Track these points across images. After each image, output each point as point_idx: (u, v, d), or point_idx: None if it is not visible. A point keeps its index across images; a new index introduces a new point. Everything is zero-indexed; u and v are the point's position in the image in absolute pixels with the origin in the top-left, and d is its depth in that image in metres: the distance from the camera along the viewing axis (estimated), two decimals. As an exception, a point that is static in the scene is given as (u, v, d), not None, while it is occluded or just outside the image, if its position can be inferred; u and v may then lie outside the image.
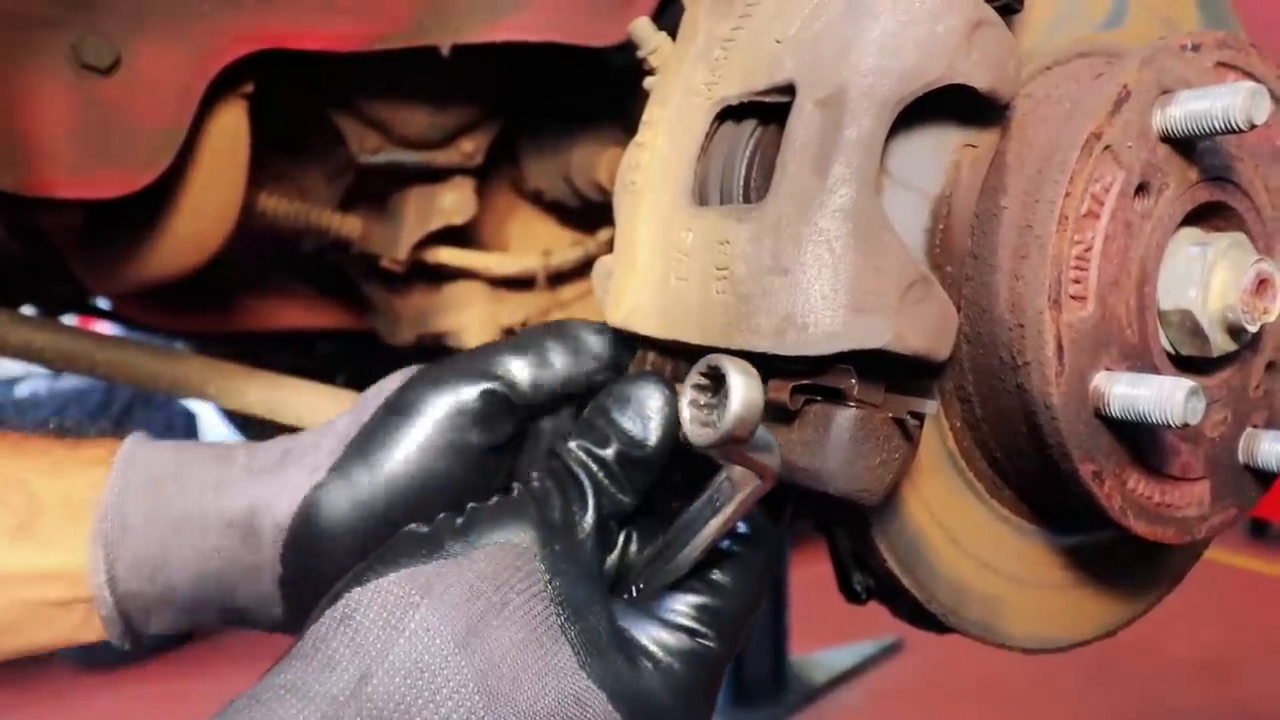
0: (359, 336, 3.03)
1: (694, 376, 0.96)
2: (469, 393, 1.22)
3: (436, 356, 2.61)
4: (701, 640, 1.07)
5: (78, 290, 2.73)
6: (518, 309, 2.67)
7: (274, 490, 1.22)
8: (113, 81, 1.63)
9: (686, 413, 0.97)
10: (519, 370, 1.25)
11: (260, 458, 1.26)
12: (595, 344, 1.28)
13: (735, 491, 1.07)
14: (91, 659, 7.54)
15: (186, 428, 10.38)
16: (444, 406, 1.22)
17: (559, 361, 1.26)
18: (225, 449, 1.28)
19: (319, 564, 1.19)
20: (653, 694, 1.03)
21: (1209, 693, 7.16)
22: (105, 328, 3.40)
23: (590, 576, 1.09)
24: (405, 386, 1.25)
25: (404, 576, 1.02)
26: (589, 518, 1.11)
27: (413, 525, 1.10)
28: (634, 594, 1.12)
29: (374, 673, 0.96)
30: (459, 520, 1.08)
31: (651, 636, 1.06)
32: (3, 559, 1.20)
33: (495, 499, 1.11)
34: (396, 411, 1.23)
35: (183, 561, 1.21)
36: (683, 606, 1.08)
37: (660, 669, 1.05)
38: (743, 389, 0.90)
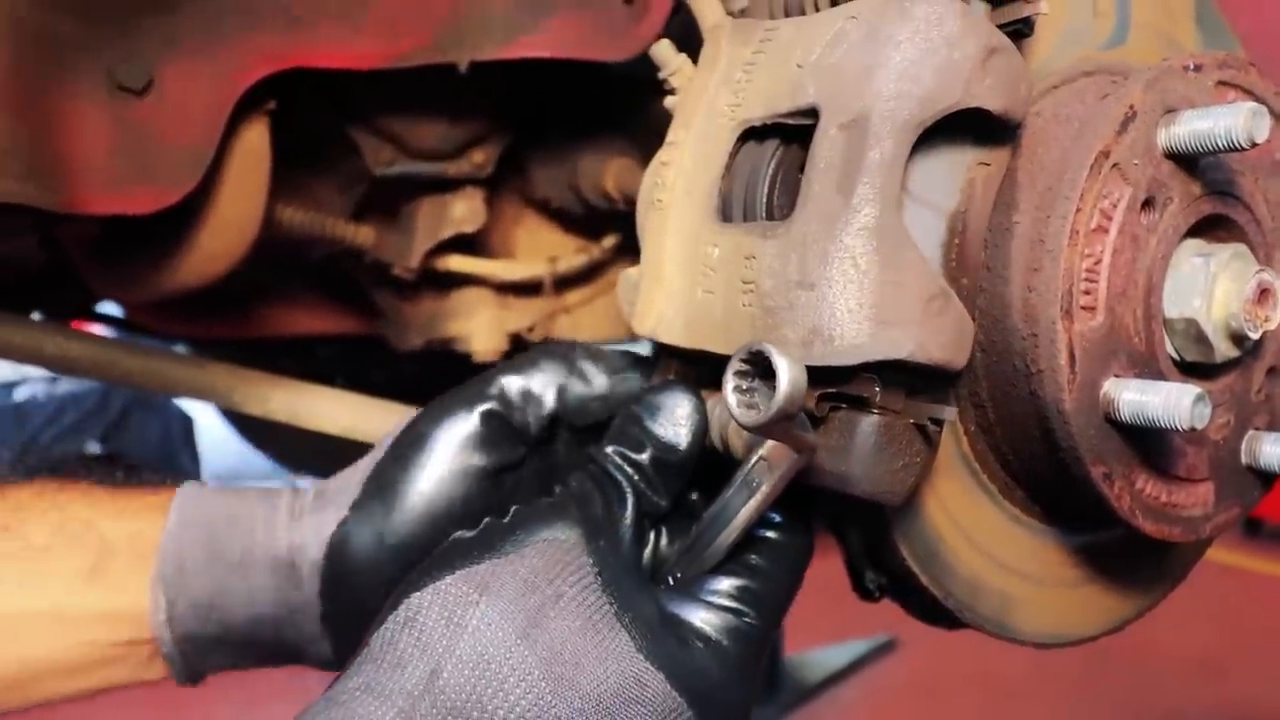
0: (358, 341, 3.07)
1: (735, 364, 0.99)
2: (468, 418, 1.28)
3: (441, 361, 2.66)
4: (745, 619, 1.12)
5: (84, 297, 2.78)
6: (524, 314, 2.70)
7: (309, 531, 1.28)
8: (146, 102, 1.66)
9: (732, 399, 0.99)
10: (512, 389, 1.31)
11: (300, 500, 1.32)
12: (590, 369, 1.33)
13: (771, 470, 1.12)
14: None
15: (184, 431, 10.41)
16: (449, 435, 1.28)
17: (550, 379, 1.32)
18: (273, 492, 1.34)
19: (354, 598, 1.24)
20: (706, 671, 1.08)
21: (1203, 690, 7.15)
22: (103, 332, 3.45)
23: (634, 568, 1.15)
24: (412, 421, 1.31)
25: (460, 577, 1.07)
26: (628, 515, 1.16)
27: (460, 531, 1.15)
28: (671, 583, 1.17)
29: (443, 668, 1.01)
30: (505, 521, 1.13)
31: (698, 618, 1.11)
32: (77, 601, 1.26)
33: (539, 500, 1.16)
34: (405, 446, 1.29)
35: (237, 601, 1.27)
36: (724, 587, 1.14)
37: (710, 647, 1.10)
38: (789, 368, 0.94)
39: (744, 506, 1.13)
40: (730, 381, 1.00)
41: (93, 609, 1.27)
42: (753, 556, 1.16)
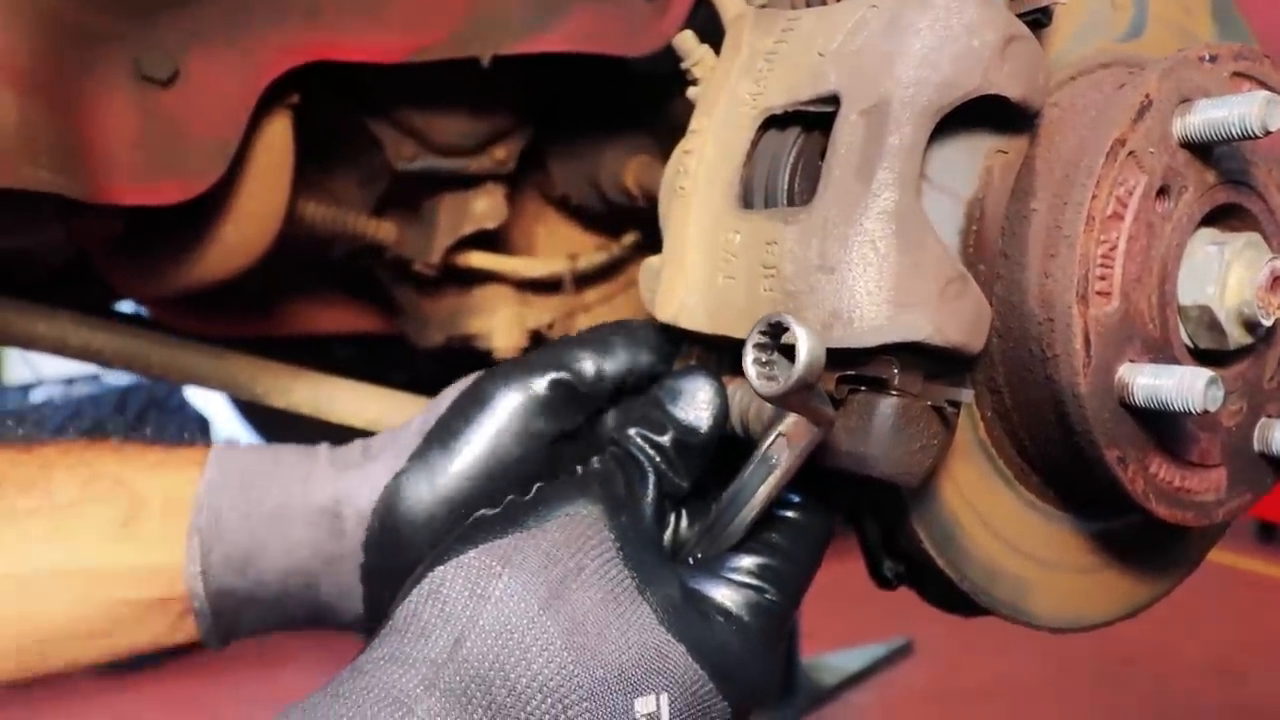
0: (376, 341, 3.10)
1: (754, 336, 1.01)
2: (539, 383, 1.29)
3: (458, 361, 2.67)
4: (766, 595, 1.15)
5: (102, 296, 2.81)
6: (544, 311, 2.72)
7: (356, 483, 1.29)
8: (171, 93, 1.68)
9: (752, 370, 1.01)
10: (584, 361, 1.32)
11: (342, 454, 1.34)
12: (653, 339, 1.35)
13: (790, 446, 1.14)
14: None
15: (200, 432, 10.42)
16: (515, 396, 1.29)
17: (621, 354, 1.33)
18: (309, 449, 1.35)
19: (399, 550, 1.26)
20: (727, 645, 1.11)
21: (1218, 695, 7.13)
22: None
23: (655, 544, 1.18)
24: (478, 381, 1.33)
25: (483, 551, 1.09)
26: (650, 494, 1.19)
27: (483, 509, 1.17)
28: (691, 562, 1.19)
29: (467, 637, 1.03)
30: (527, 498, 1.15)
31: (720, 593, 1.14)
32: (107, 557, 1.27)
33: (561, 478, 1.19)
34: (471, 403, 1.30)
35: (273, 554, 1.28)
36: (745, 564, 1.16)
37: (731, 622, 1.12)
38: (808, 337, 0.96)
39: (763, 483, 1.15)
40: (750, 354, 1.01)
41: (123, 565, 1.28)
42: (773, 535, 1.18)
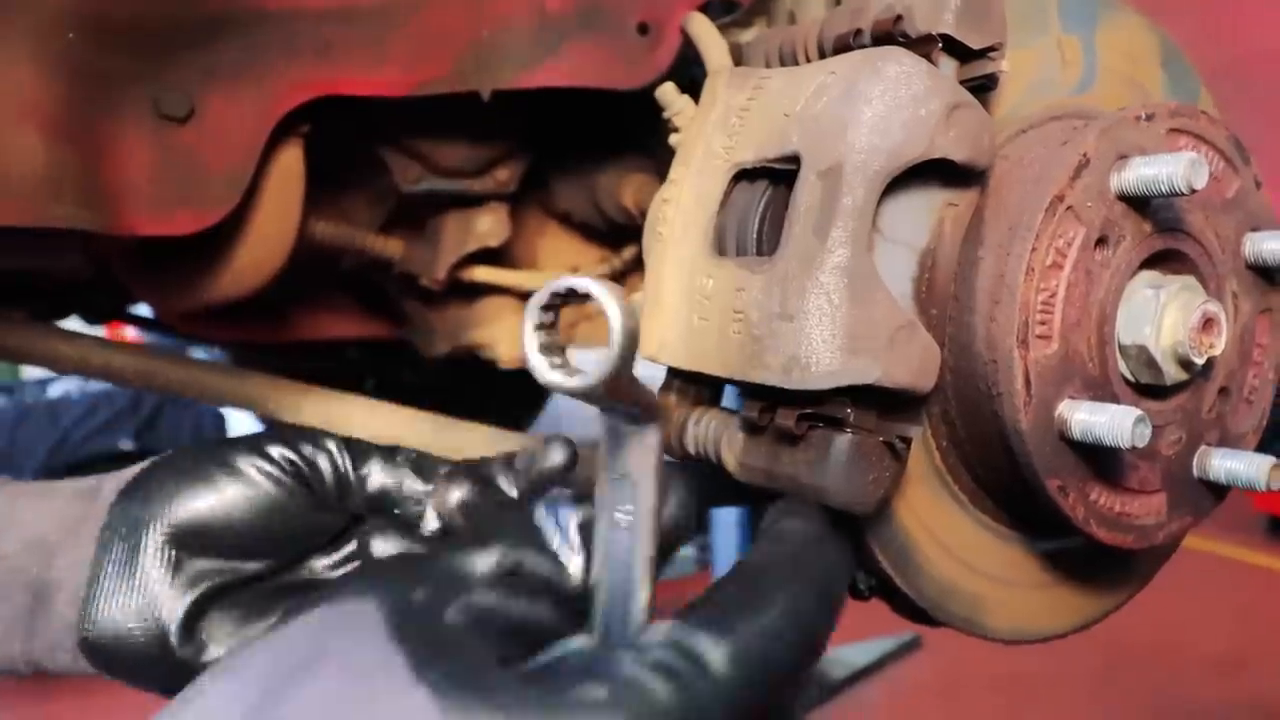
0: (386, 344, 3.19)
1: (535, 314, 0.80)
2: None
3: (469, 363, 2.75)
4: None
5: (119, 300, 2.91)
6: (546, 322, 2.80)
7: None
8: (188, 129, 1.76)
9: (539, 359, 0.78)
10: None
11: None
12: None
13: (639, 482, 0.91)
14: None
15: (215, 428, 10.49)
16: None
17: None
18: None
19: None
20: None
21: (1226, 689, 7.16)
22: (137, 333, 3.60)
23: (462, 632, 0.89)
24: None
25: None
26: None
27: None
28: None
29: None
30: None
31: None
32: None
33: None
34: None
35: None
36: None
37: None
38: (619, 309, 0.77)
39: (636, 548, 0.92)
40: (533, 338, 0.79)
41: None
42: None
